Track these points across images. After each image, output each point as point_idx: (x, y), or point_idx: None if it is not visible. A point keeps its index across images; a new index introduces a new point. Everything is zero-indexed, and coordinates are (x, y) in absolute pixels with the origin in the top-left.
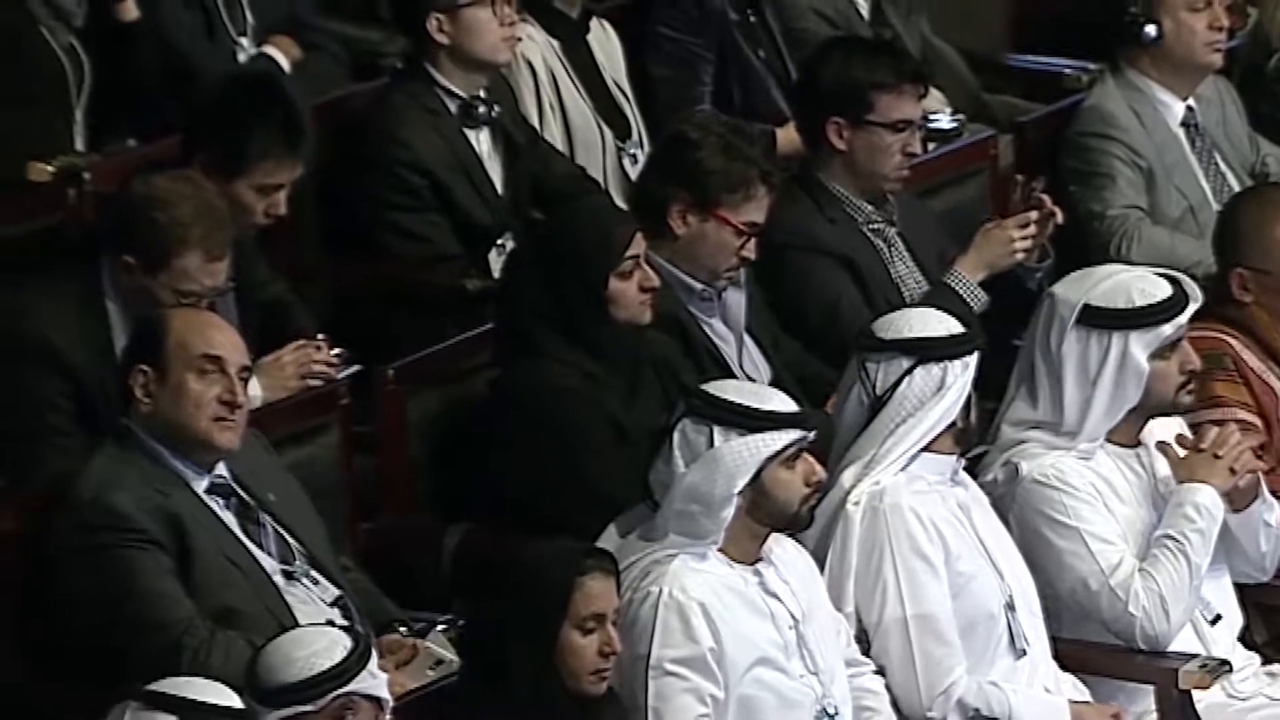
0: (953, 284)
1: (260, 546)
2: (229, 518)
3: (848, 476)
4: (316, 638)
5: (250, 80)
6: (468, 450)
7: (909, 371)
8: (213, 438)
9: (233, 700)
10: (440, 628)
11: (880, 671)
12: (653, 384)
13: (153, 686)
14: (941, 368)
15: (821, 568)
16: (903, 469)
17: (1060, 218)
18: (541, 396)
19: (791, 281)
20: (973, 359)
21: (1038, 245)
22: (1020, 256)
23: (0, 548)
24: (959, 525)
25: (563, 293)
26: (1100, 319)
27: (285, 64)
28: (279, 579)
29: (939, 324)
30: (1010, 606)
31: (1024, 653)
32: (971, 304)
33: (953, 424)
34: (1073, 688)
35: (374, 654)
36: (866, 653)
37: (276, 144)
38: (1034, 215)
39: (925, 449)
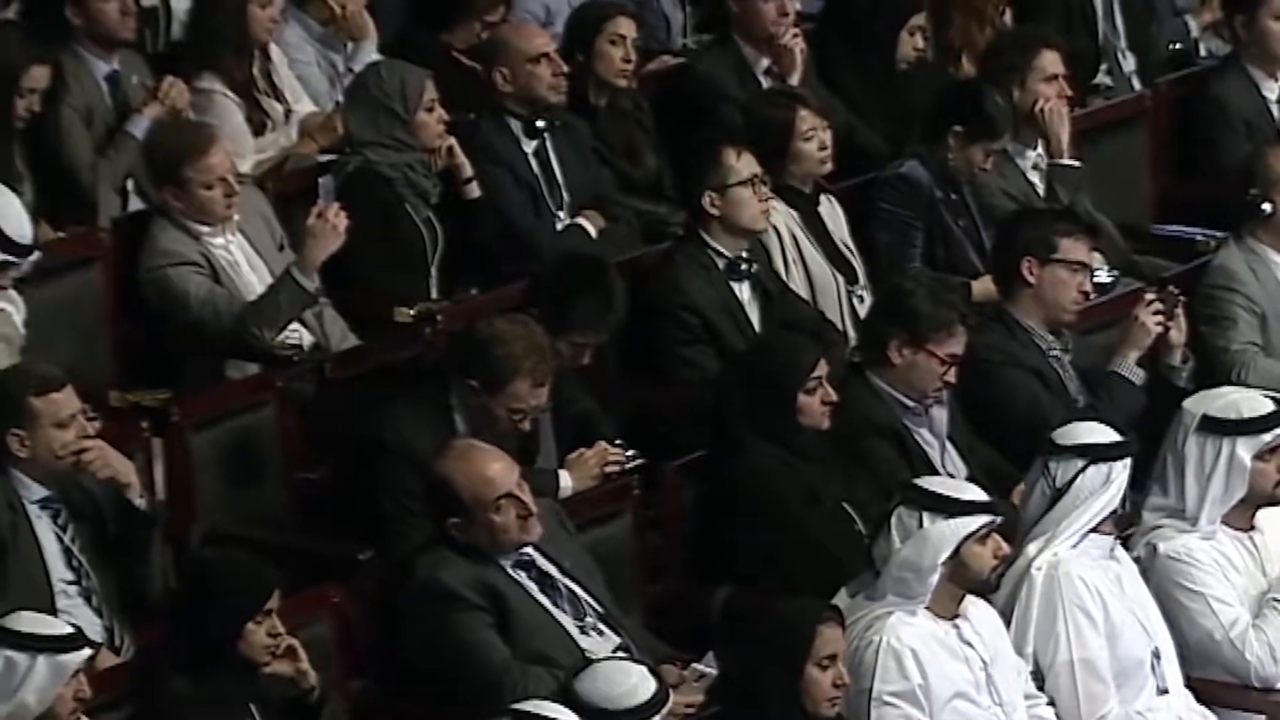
0: (1117, 368)
1: (557, 605)
2: (531, 585)
3: (1031, 549)
4: (630, 673)
5: (587, 263)
6: (714, 528)
7: (1082, 470)
8: (525, 541)
9: (574, 718)
10: (706, 664)
11: (1051, 703)
12: (838, 466)
13: (516, 707)
14: (1108, 467)
15: (1009, 618)
16: (1074, 545)
17: (1182, 301)
18: (751, 479)
19: (995, 391)
20: (1129, 461)
21: (1172, 327)
22: (1156, 330)
23: (364, 606)
24: (1115, 590)
25: (758, 403)
26: (1216, 427)
27: (593, 231)
28: (573, 630)
29: (1105, 433)
30: (1156, 655)
31: (1165, 691)
32: (1133, 379)
33: (1114, 511)
34: (1201, 718)
35: (671, 695)
36: (1040, 688)
37: (596, 319)
38: (1158, 306)
39: (1092, 530)
